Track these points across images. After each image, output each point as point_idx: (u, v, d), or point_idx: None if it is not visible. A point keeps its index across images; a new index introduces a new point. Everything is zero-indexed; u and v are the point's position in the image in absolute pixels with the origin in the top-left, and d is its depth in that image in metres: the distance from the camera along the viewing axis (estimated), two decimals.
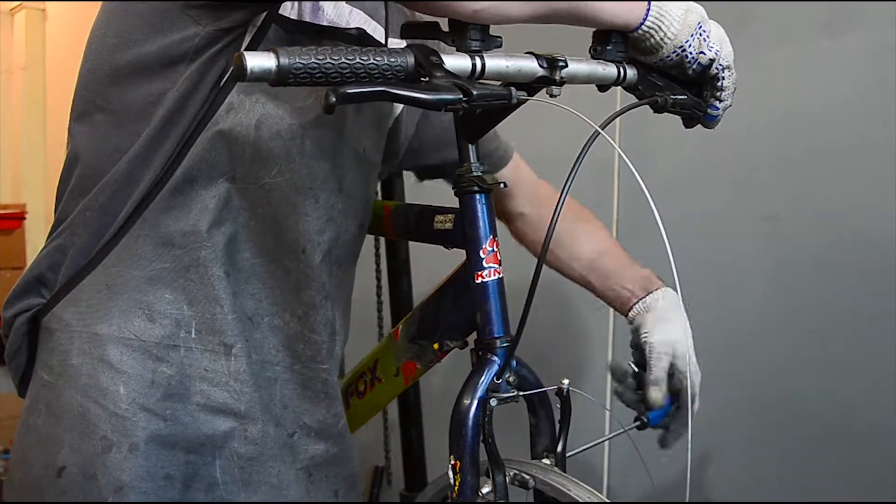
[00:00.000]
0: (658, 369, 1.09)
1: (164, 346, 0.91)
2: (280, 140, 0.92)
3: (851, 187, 1.44)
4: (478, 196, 0.91)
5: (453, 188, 0.94)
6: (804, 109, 1.45)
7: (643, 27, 0.84)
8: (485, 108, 0.88)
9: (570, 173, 0.77)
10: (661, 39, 0.85)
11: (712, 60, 0.87)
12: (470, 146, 0.93)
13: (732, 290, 1.61)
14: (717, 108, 0.92)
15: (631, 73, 0.87)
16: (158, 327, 0.91)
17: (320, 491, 1.04)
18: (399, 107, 1.11)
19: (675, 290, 0.80)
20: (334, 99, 0.63)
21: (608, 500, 0.84)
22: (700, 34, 0.86)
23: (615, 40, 0.85)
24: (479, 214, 0.91)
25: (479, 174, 0.92)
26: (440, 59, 0.72)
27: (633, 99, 0.91)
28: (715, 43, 0.87)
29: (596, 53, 0.86)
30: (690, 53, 0.86)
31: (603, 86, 0.88)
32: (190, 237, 0.91)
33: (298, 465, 1.01)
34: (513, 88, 0.73)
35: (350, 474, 1.08)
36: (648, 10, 0.84)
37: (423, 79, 0.70)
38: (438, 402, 2.00)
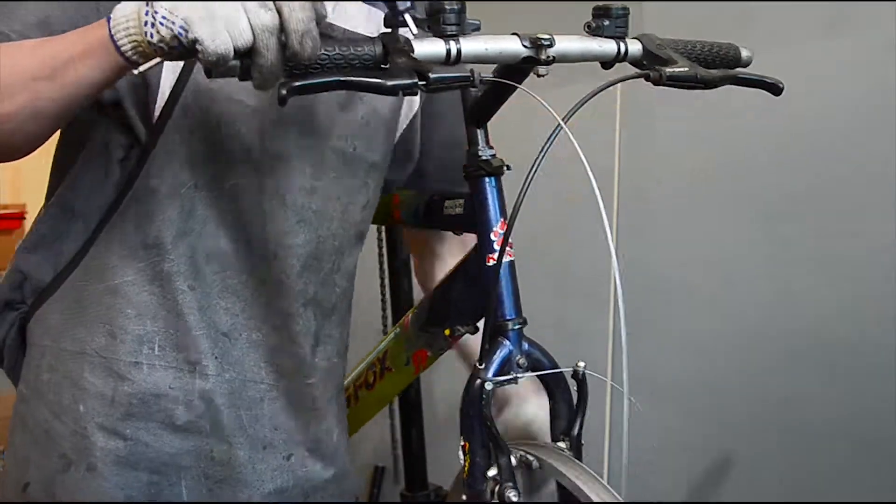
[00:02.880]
0: None
1: (125, 363, 0.89)
2: (240, 140, 0.89)
3: (851, 187, 1.45)
4: (487, 179, 0.92)
5: (462, 172, 0.94)
6: (804, 109, 1.46)
7: (140, 49, 0.69)
8: (488, 89, 0.88)
9: (533, 167, 0.73)
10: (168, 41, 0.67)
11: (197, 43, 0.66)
12: (478, 130, 0.93)
13: (732, 290, 1.62)
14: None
15: (634, 47, 0.83)
16: (120, 343, 0.89)
17: None
18: (414, 108, 1.07)
19: (619, 301, 0.77)
20: (284, 92, 0.63)
21: (613, 492, 0.84)
22: (152, 17, 0.66)
23: (615, 15, 0.82)
24: (490, 197, 0.91)
25: (488, 158, 0.92)
26: (410, 45, 0.71)
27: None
28: (179, 14, 0.66)
29: (591, 30, 0.82)
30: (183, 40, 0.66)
31: (606, 63, 0.84)
32: (152, 250, 0.89)
33: (295, 489, 0.98)
34: (475, 69, 0.71)
35: (349, 490, 1.05)
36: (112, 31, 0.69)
37: (383, 66, 0.69)
38: (439, 402, 2.00)
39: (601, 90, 0.76)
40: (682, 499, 1.69)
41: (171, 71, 0.86)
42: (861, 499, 1.44)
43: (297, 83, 0.64)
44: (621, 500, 0.81)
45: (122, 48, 0.69)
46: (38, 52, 0.73)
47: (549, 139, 0.73)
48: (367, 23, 0.99)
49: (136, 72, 0.69)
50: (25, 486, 0.90)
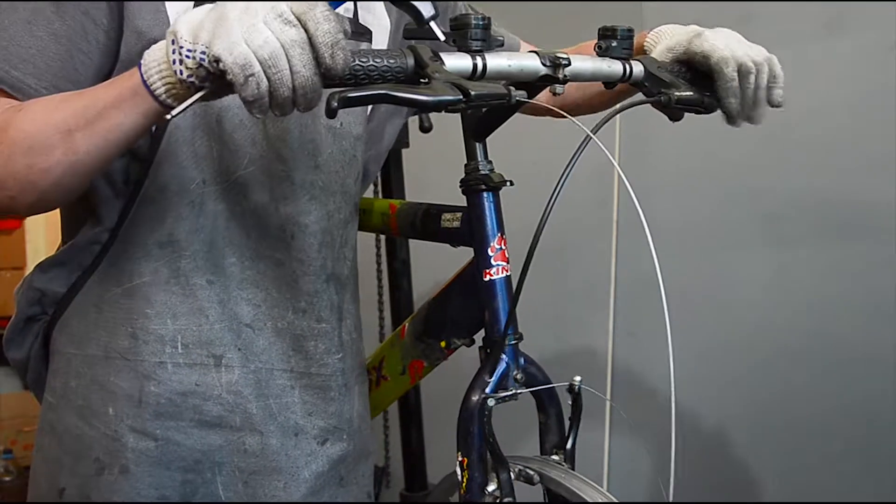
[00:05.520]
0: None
1: (150, 363, 0.89)
2: (243, 129, 0.89)
3: (851, 187, 1.45)
4: (485, 194, 0.92)
5: (460, 186, 0.94)
6: (804, 109, 1.46)
7: (176, 90, 0.68)
8: (492, 107, 0.88)
9: (562, 177, 0.75)
10: (197, 70, 0.66)
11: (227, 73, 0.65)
12: (477, 144, 0.93)
13: (732, 290, 1.62)
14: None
15: (637, 69, 0.86)
16: (143, 344, 0.89)
17: (351, 495, 1.01)
18: None
19: (660, 291, 0.77)
20: (336, 104, 0.63)
21: (614, 499, 0.85)
22: (180, 46, 0.66)
23: (621, 37, 0.85)
24: (487, 212, 0.92)
25: (487, 172, 0.92)
26: (440, 59, 0.72)
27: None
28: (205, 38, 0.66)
29: (601, 51, 0.86)
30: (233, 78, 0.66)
31: (609, 83, 0.87)
32: (167, 248, 0.89)
33: (331, 473, 0.99)
34: (512, 88, 0.73)
35: (369, 469, 1.06)
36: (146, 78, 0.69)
37: (422, 80, 0.70)
38: (438, 402, 2.00)
39: (623, 109, 0.83)
40: (681, 498, 1.69)
41: None
42: (861, 499, 1.45)
43: (349, 94, 0.64)
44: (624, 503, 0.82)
45: (156, 92, 0.69)
46: (71, 104, 0.73)
47: (577, 150, 0.76)
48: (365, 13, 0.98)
49: (169, 116, 0.67)
50: (61, 491, 0.90)
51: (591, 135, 0.74)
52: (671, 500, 0.77)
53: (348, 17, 1.02)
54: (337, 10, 1.00)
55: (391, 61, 0.69)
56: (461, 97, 0.67)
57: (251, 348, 0.93)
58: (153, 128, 0.82)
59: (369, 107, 1.05)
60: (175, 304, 0.90)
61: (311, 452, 0.97)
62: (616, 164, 0.74)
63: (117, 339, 0.89)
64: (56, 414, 0.92)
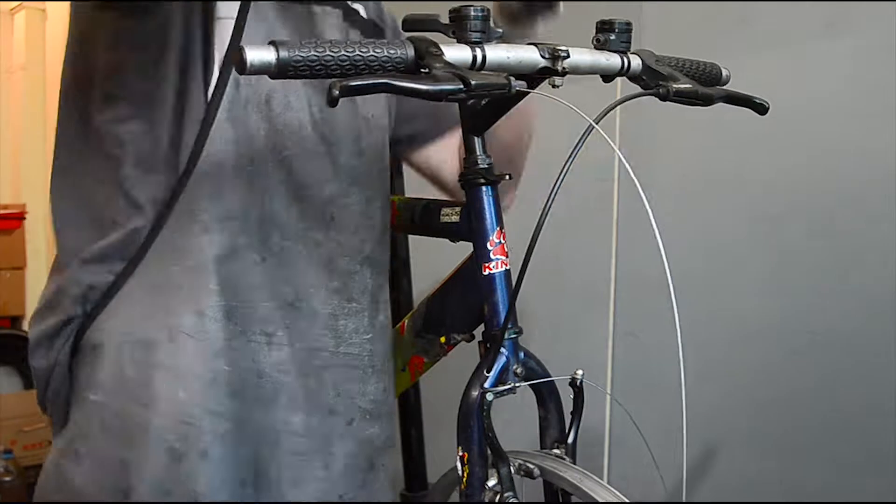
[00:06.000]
0: None
1: (217, 340, 0.87)
2: (291, 111, 0.91)
3: (851, 187, 1.45)
4: (484, 188, 0.92)
5: (459, 180, 0.94)
6: (804, 109, 1.46)
7: None
8: (490, 99, 0.89)
9: (564, 167, 0.76)
10: None
11: None
12: (476, 138, 0.93)
13: (732, 290, 1.62)
14: None
15: (635, 62, 0.86)
16: (211, 321, 0.87)
17: (378, 481, 1.01)
18: None
19: (669, 290, 0.77)
20: (337, 92, 0.63)
21: (617, 493, 0.85)
22: None
23: (618, 30, 0.85)
24: (486, 206, 0.92)
25: (486, 166, 0.92)
26: (440, 50, 0.72)
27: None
28: None
29: (599, 44, 0.85)
30: None
31: (607, 76, 0.87)
32: (226, 223, 0.88)
33: (361, 455, 0.98)
34: (512, 78, 0.73)
35: (393, 459, 1.06)
36: None
37: (422, 70, 0.70)
38: (438, 402, 2.00)
39: (621, 103, 0.81)
40: (681, 498, 1.69)
41: (219, 50, 0.87)
42: (861, 499, 1.45)
43: (351, 84, 0.64)
44: (626, 501, 0.82)
45: None
46: None
47: (579, 141, 0.76)
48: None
49: None
50: (128, 492, 0.85)
51: (594, 124, 0.74)
52: (684, 499, 0.77)
53: (365, 17, 1.04)
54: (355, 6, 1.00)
55: (391, 51, 0.70)
56: (462, 86, 0.67)
57: (295, 327, 0.93)
58: (207, 99, 0.85)
59: (393, 101, 1.07)
60: (235, 281, 0.88)
61: (342, 433, 0.96)
62: (617, 149, 0.73)
63: (182, 317, 0.86)
64: (106, 410, 0.86)
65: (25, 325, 3.58)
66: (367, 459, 0.99)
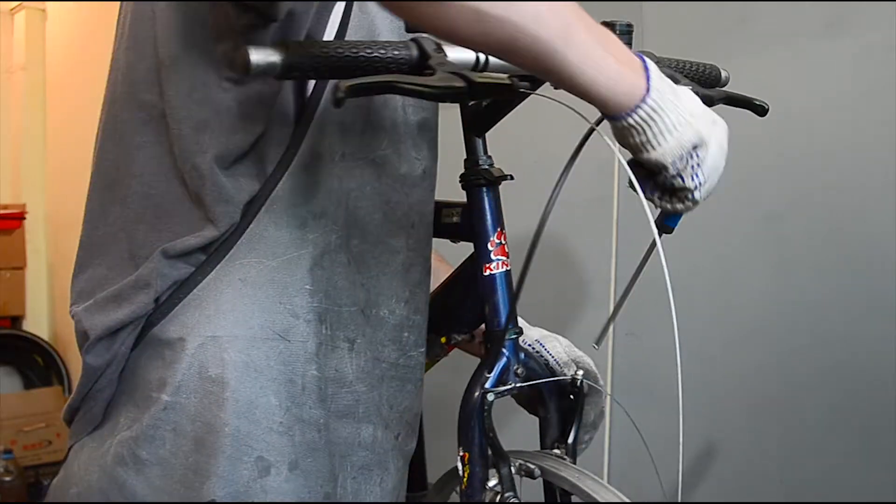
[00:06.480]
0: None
1: (311, 343, 0.81)
2: (388, 109, 0.87)
3: (851, 187, 1.45)
4: (485, 189, 0.92)
5: (460, 181, 0.95)
6: (804, 109, 1.46)
7: (626, 121, 0.71)
8: (492, 100, 0.89)
9: (565, 169, 0.76)
10: (643, 144, 0.72)
11: (686, 189, 0.75)
12: (477, 139, 0.93)
13: (732, 289, 1.62)
14: (673, 223, 0.90)
15: None
16: (304, 323, 0.81)
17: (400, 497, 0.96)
18: None
19: (668, 290, 0.77)
20: (343, 93, 0.63)
21: (618, 492, 0.85)
22: (690, 158, 0.73)
23: (620, 32, 0.85)
24: (487, 207, 0.92)
25: (487, 167, 0.92)
26: (443, 51, 0.72)
27: None
28: (704, 173, 0.75)
29: None
30: (668, 174, 0.73)
31: None
32: (321, 220, 0.82)
33: (403, 472, 0.94)
34: (515, 79, 0.74)
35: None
36: (641, 103, 0.70)
37: (426, 71, 0.71)
38: (438, 402, 2.00)
39: None
40: (681, 497, 1.69)
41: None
42: (861, 499, 1.45)
43: (355, 84, 0.64)
44: (626, 500, 0.82)
45: (630, 115, 0.71)
46: (594, 28, 0.69)
47: (580, 143, 0.76)
48: None
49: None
50: None
51: (595, 126, 0.74)
52: (679, 499, 0.78)
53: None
54: None
55: (396, 52, 0.70)
56: (465, 86, 0.68)
57: (366, 335, 0.88)
58: (308, 92, 0.81)
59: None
60: (325, 282, 0.83)
61: (392, 447, 0.92)
62: (617, 150, 0.73)
63: (275, 317, 0.79)
64: (183, 413, 0.77)
65: (25, 325, 3.58)
66: (407, 475, 0.96)
